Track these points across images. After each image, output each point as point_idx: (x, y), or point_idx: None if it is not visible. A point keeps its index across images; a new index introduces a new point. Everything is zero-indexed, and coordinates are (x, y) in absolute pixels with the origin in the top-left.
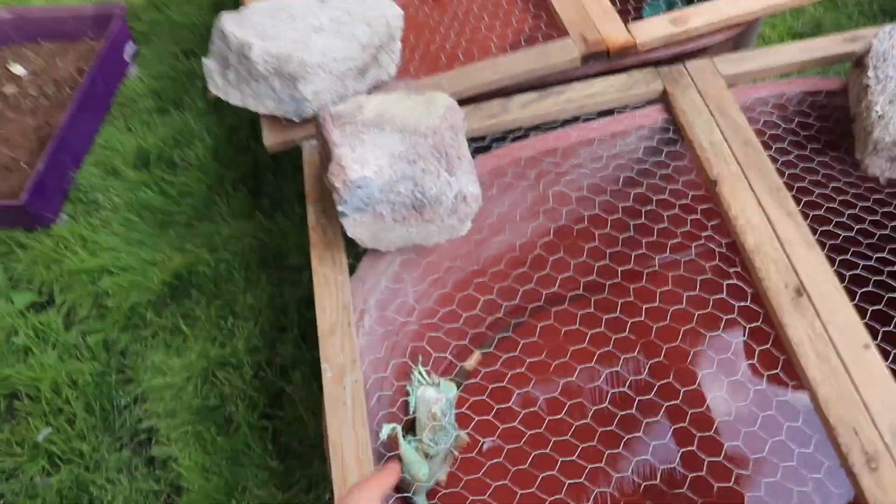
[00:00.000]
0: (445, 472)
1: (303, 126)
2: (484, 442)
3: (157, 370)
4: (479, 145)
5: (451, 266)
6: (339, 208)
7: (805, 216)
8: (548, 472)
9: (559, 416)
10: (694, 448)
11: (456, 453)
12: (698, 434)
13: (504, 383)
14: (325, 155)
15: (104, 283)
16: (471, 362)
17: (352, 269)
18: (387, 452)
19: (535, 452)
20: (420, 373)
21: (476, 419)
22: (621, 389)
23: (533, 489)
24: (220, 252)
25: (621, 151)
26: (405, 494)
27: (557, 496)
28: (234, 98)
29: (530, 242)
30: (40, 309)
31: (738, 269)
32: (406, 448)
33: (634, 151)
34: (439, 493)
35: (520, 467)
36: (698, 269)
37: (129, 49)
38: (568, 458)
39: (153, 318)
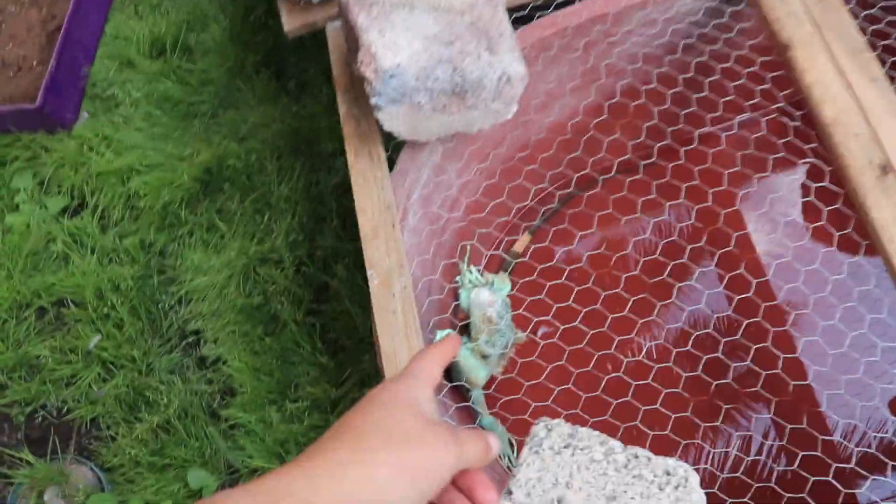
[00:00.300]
0: (502, 368)
1: (324, 6)
2: (539, 329)
3: (197, 269)
4: (520, 15)
5: (498, 152)
6: (373, 101)
7: (892, 80)
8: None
9: (613, 291)
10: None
11: (513, 352)
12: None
13: (554, 261)
14: (352, 41)
15: (134, 184)
16: (520, 246)
17: (390, 162)
18: None
19: (592, 332)
20: (471, 272)
21: (528, 300)
22: (678, 260)
23: (589, 368)
24: (249, 142)
25: (678, 14)
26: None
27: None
28: None
29: (582, 120)
30: (74, 213)
31: (815, 145)
32: (463, 353)
33: (693, 14)
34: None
35: (575, 347)
36: (768, 144)
37: None
38: (619, 314)
39: (187, 215)
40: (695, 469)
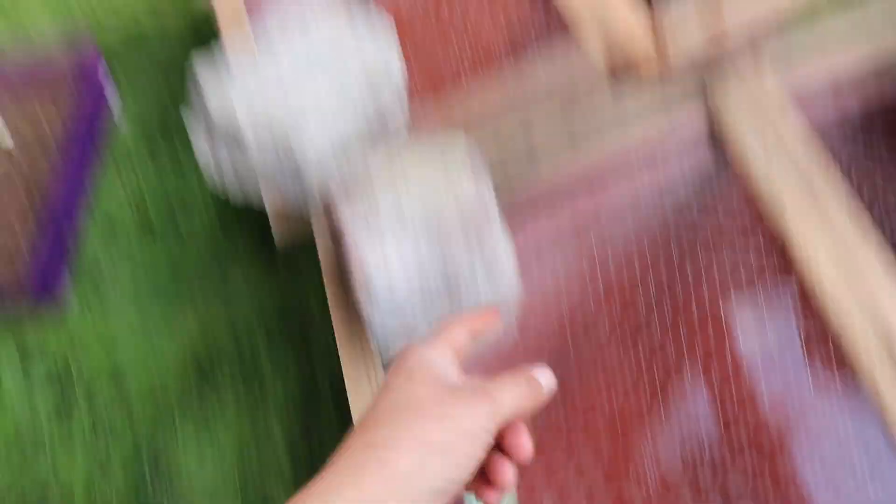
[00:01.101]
0: None
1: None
2: None
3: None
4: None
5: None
6: (368, 325)
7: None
8: None
9: None
10: None
11: None
12: None
13: None
14: (341, 251)
15: (128, 384)
16: None
17: None
18: None
19: None
20: None
21: None
22: None
23: None
24: (244, 334)
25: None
26: None
27: None
28: (234, 192)
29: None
30: (65, 416)
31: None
32: None
33: (679, 187)
34: None
35: None
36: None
37: (111, 96)
38: None
39: (180, 422)
40: None
